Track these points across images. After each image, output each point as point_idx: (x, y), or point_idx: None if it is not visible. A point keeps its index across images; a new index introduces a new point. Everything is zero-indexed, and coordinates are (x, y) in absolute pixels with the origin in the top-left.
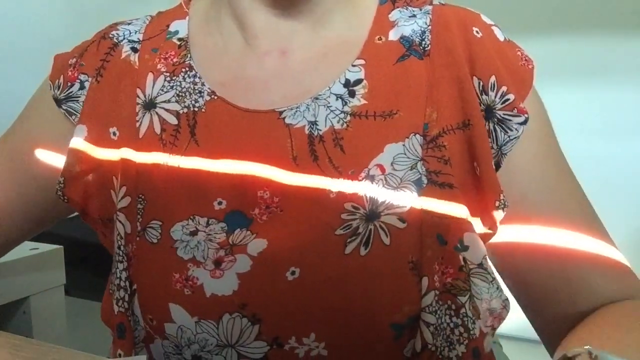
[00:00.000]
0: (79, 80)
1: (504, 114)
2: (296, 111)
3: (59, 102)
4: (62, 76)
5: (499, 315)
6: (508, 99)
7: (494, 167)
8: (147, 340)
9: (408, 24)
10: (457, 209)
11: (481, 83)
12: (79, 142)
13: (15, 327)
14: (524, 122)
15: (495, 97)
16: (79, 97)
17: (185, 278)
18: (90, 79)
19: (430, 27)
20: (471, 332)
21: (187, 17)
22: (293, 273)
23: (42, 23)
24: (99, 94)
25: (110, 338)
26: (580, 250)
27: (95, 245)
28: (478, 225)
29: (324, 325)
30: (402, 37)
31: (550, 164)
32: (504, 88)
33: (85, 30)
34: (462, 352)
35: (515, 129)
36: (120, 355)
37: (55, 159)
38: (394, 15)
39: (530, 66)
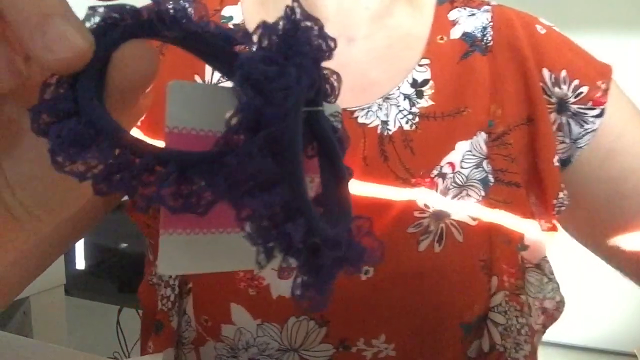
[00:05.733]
0: None
1: (578, 108)
2: (368, 111)
3: None
4: None
5: (552, 316)
6: (581, 92)
7: (556, 164)
8: (198, 342)
9: (469, 21)
10: (522, 209)
11: (552, 75)
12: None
13: (15, 327)
14: (600, 115)
15: (568, 90)
16: None
17: (250, 277)
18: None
19: (491, 24)
20: (532, 329)
21: (240, 2)
22: (366, 272)
23: None
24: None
25: (110, 337)
26: None
27: (95, 246)
28: (542, 225)
29: (395, 326)
30: (465, 34)
31: None
32: (576, 81)
33: None
34: (529, 351)
35: (592, 122)
36: (150, 348)
37: None
38: (453, 14)
39: (604, 61)
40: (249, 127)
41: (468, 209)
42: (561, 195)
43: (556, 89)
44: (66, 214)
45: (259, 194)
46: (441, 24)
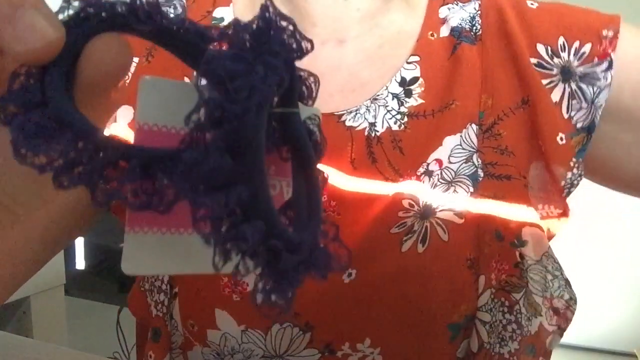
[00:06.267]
0: None
1: (584, 69)
2: (356, 113)
3: None
4: None
5: (564, 315)
6: (584, 52)
7: (561, 142)
8: (185, 347)
9: (456, 15)
10: (515, 202)
11: (548, 47)
12: (121, 128)
13: (15, 327)
14: (609, 67)
15: (569, 56)
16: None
17: (234, 283)
18: (138, 59)
19: (479, 12)
20: (525, 329)
21: (232, 4)
22: (349, 275)
23: None
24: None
25: (110, 337)
26: None
27: (95, 246)
28: (550, 212)
29: (380, 329)
30: (452, 29)
31: None
32: (577, 43)
33: None
34: (514, 349)
35: (604, 78)
36: (151, 357)
37: None
38: (443, 11)
39: (606, 14)
40: (211, 125)
41: (456, 204)
42: (569, 175)
43: (556, 60)
44: (42, 208)
45: (216, 193)
46: (432, 20)
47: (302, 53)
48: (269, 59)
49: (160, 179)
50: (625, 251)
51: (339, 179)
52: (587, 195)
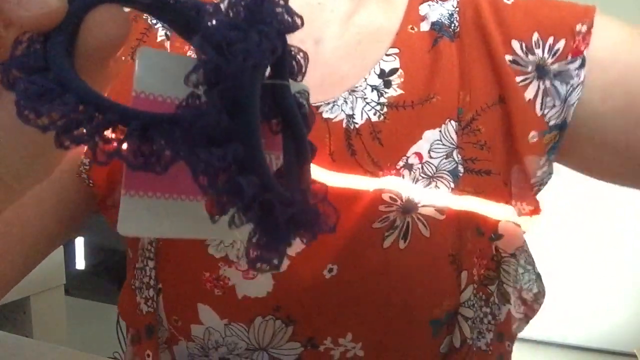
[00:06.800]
0: None
1: (558, 67)
2: (334, 105)
3: None
4: None
5: (531, 307)
6: (558, 49)
7: (532, 140)
8: (171, 342)
9: (436, 11)
10: (494, 196)
11: (523, 44)
12: None
13: (15, 327)
14: (582, 65)
15: (544, 53)
16: None
17: (216, 278)
18: (123, 58)
19: (457, 9)
20: (497, 317)
21: None
22: (331, 270)
23: None
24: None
25: (110, 337)
26: None
27: (95, 246)
28: (524, 208)
29: (361, 325)
30: (432, 24)
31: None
32: (551, 39)
33: None
34: (490, 339)
35: (577, 76)
36: (149, 356)
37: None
38: (423, 9)
39: (581, 6)
40: (208, 85)
41: (437, 200)
42: (539, 173)
43: (530, 57)
44: (36, 182)
45: (214, 149)
46: (412, 16)
47: (293, 26)
48: (262, 27)
49: (158, 142)
50: (625, 251)
51: (319, 174)
52: (588, 195)
